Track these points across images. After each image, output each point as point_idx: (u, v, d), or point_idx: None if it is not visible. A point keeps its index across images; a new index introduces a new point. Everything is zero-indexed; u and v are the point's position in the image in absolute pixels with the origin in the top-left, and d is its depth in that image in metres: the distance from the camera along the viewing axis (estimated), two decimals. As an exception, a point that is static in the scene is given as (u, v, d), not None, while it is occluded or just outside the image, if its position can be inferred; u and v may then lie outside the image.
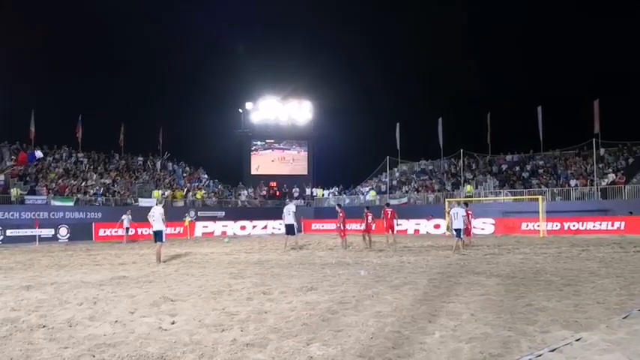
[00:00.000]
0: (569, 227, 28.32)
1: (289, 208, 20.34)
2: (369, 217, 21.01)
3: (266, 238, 29.51)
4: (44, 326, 6.71)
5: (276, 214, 40.13)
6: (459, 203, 18.70)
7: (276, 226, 35.57)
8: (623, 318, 6.74)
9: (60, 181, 33.43)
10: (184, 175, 43.07)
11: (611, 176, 32.38)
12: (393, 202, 39.11)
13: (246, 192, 44.35)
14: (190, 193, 38.85)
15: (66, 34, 46.80)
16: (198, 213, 35.62)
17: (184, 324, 6.72)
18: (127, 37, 50.37)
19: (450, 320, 6.70)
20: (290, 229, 20.14)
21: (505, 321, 6.64)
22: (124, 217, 27.96)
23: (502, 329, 6.22)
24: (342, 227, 20.81)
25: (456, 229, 17.67)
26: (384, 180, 43.63)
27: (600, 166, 33.82)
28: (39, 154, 33.49)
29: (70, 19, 47.62)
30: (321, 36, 56.69)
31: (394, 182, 43.50)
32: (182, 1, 55.82)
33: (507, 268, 12.68)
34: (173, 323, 6.78)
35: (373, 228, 21.61)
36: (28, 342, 5.96)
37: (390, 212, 21.04)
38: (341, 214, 20.92)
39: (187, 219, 31.96)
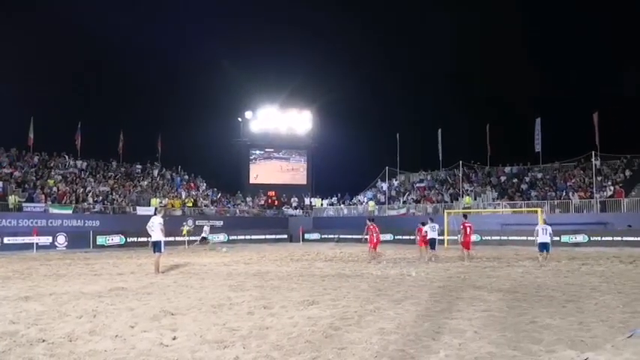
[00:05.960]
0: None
1: (434, 226, 20.00)
2: (423, 231, 20.60)
3: (265, 248, 29.39)
4: (44, 340, 6.62)
5: (275, 224, 40.50)
6: (545, 221, 18.64)
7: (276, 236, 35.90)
8: (628, 337, 6.67)
9: (59, 185, 33.36)
10: (183, 183, 42.99)
11: (611, 189, 32.38)
12: (391, 212, 39.09)
13: (244, 201, 44.40)
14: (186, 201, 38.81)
15: (66, 43, 46.89)
16: (196, 222, 35.46)
17: (185, 340, 6.65)
18: (126, 47, 50.46)
19: (454, 338, 6.64)
20: (432, 243, 19.88)
21: (509, 339, 6.58)
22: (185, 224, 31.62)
23: (507, 348, 6.16)
24: (372, 238, 20.09)
25: (544, 243, 17.61)
26: (382, 190, 43.61)
27: (599, 178, 33.82)
28: None
29: (71, 29, 47.74)
30: (321, 46, 56.92)
31: (393, 192, 43.47)
32: (180, 13, 55.84)
33: (508, 282, 12.63)
34: (174, 339, 6.70)
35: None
36: (29, 358, 5.89)
37: (468, 227, 20.07)
38: (371, 228, 20.15)
39: (185, 228, 31.84)
